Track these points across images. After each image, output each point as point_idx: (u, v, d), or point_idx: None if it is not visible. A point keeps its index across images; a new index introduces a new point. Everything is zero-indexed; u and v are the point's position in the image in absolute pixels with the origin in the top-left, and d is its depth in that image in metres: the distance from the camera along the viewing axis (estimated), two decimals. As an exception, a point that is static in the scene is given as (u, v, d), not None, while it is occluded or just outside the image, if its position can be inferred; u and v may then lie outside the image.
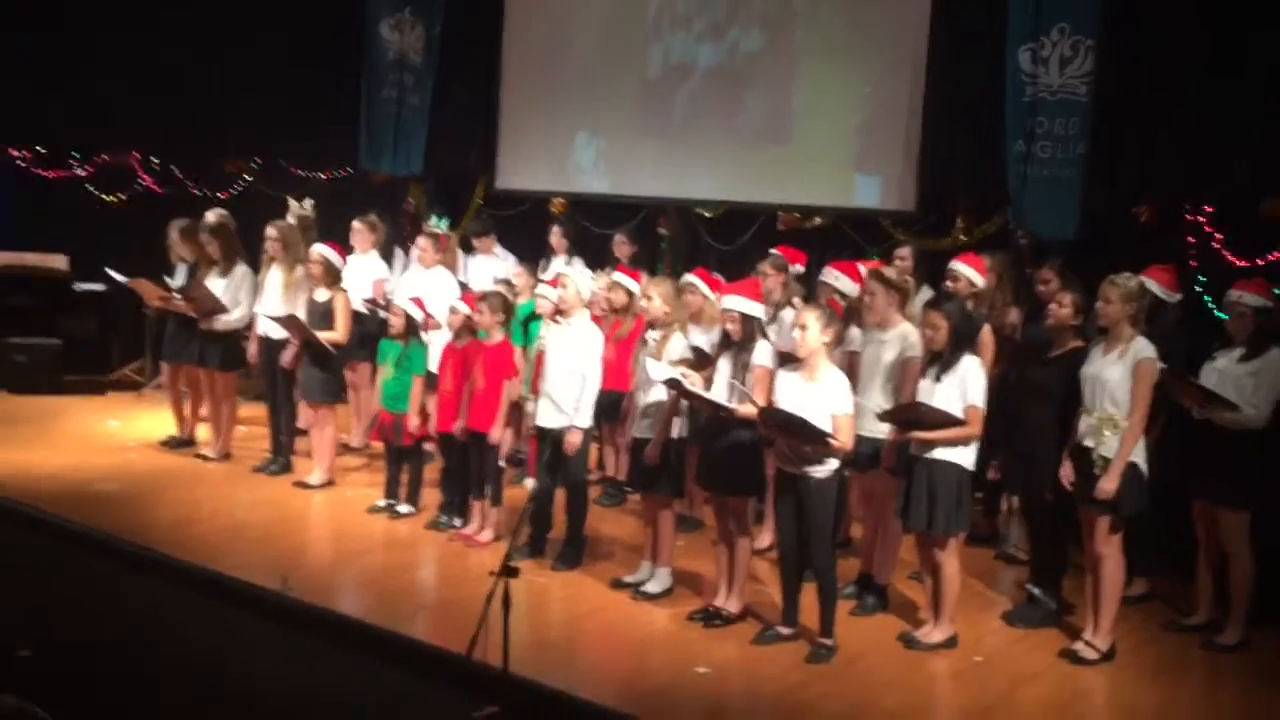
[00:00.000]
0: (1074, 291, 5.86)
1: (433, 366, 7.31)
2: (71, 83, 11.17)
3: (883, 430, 5.72)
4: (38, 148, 11.47)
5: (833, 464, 5.31)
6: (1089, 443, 5.38)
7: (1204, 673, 5.57)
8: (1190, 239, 7.07)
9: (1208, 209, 7.04)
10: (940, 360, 5.42)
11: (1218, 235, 6.96)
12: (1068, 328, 5.80)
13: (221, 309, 8.16)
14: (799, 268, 7.56)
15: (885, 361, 5.86)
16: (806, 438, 5.19)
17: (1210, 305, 6.76)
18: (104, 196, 11.64)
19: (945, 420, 5.29)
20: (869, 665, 5.37)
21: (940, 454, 5.36)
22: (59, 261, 10.94)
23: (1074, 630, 5.76)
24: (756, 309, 5.69)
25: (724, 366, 5.71)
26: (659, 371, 5.79)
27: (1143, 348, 5.31)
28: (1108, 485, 5.26)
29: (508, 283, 7.97)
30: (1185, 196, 7.11)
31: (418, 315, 7.25)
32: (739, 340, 5.64)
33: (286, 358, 7.83)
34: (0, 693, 1.61)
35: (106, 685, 4.82)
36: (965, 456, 5.39)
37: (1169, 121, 7.14)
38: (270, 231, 8.15)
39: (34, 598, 5.76)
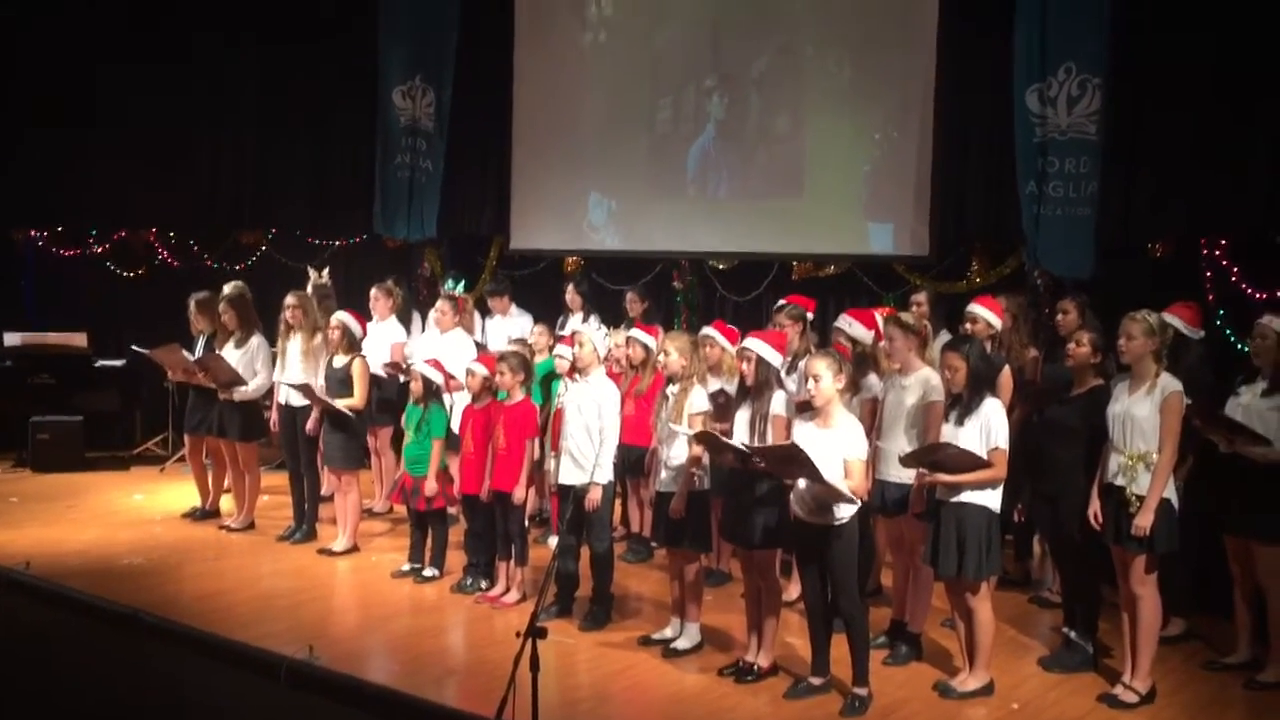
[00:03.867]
0: (1091, 330, 5.84)
1: (455, 428, 7.32)
2: (84, 163, 11.33)
3: (910, 475, 5.68)
4: (56, 228, 11.60)
5: (849, 510, 5.26)
6: (1120, 481, 5.33)
7: (1245, 712, 5.45)
8: (1207, 273, 7.04)
9: (1223, 242, 7.03)
10: (961, 403, 5.40)
11: (1234, 268, 6.94)
12: (1088, 366, 5.76)
13: (238, 380, 8.19)
14: (810, 315, 7.57)
15: (908, 406, 5.84)
16: (807, 473, 5.15)
17: (1232, 338, 6.72)
18: (122, 273, 11.75)
19: (970, 462, 5.25)
20: (905, 716, 5.28)
21: (967, 497, 5.31)
22: (79, 339, 11.02)
23: (1112, 674, 5.66)
24: (775, 357, 5.68)
25: (742, 417, 5.69)
26: (686, 429, 5.80)
27: (1170, 382, 5.28)
28: (1143, 521, 5.20)
29: (523, 342, 7.99)
30: (1200, 230, 7.09)
31: (436, 378, 7.27)
32: (753, 385, 5.62)
33: (310, 425, 7.86)
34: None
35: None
36: (992, 499, 5.35)
37: (1179, 156, 7.15)
38: (289, 300, 8.21)
39: (62, 674, 5.74)
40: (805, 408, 5.73)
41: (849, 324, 6.59)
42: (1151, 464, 5.24)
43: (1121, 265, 7.32)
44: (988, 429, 5.29)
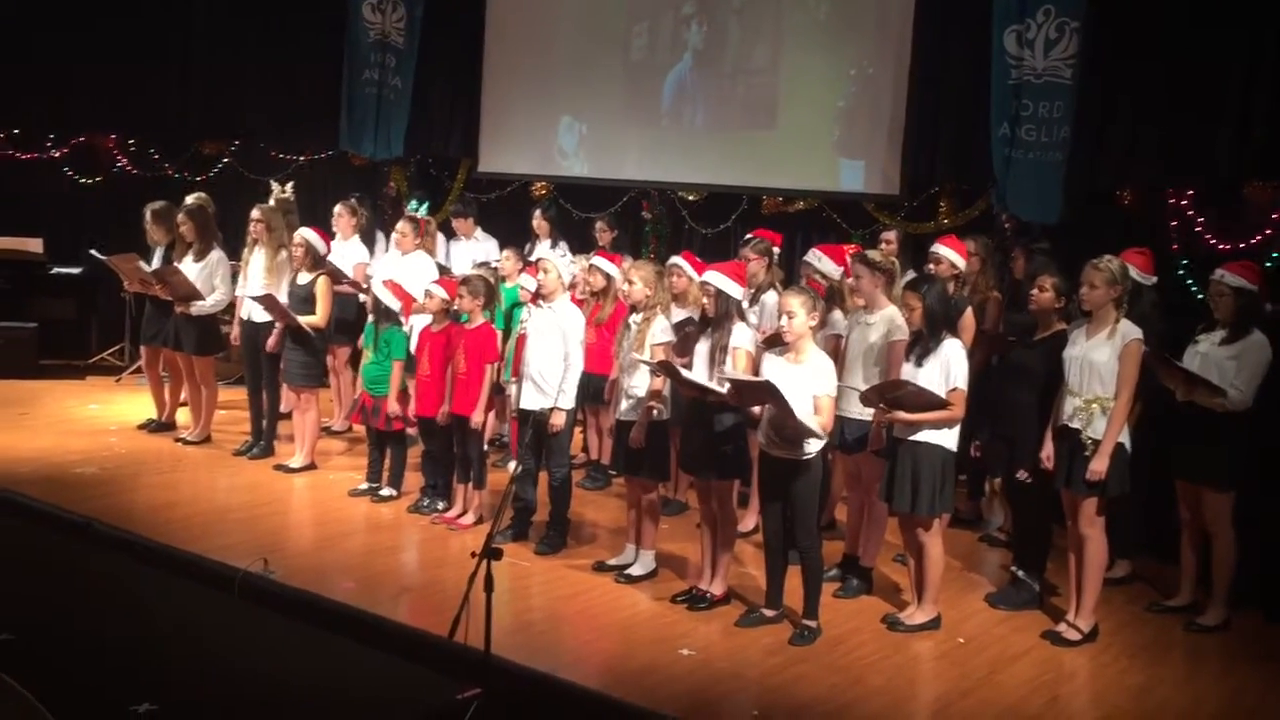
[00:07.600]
0: (1051, 274, 5.86)
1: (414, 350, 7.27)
2: (46, 64, 11.02)
3: (870, 413, 5.71)
4: (13, 130, 11.31)
5: (817, 445, 5.29)
6: (1076, 424, 5.40)
7: (1185, 654, 5.59)
8: (1173, 222, 7.08)
9: (1190, 192, 7.05)
10: (921, 343, 5.42)
11: (1200, 219, 6.97)
12: (1051, 310, 5.79)
13: (196, 294, 8.08)
14: (776, 250, 7.54)
15: (871, 343, 5.85)
16: (779, 406, 5.17)
17: (1193, 288, 6.77)
18: (80, 179, 11.50)
19: (929, 400, 5.29)
20: (852, 647, 5.38)
21: (924, 436, 5.36)
22: (34, 245, 10.81)
23: (1057, 612, 5.78)
24: (735, 289, 5.66)
25: (702, 349, 5.69)
26: (648, 359, 5.79)
27: (1130, 329, 5.33)
28: (1098, 466, 5.28)
29: (488, 265, 7.92)
30: (1168, 180, 7.11)
31: (391, 303, 7.16)
32: (714, 317, 5.61)
33: (271, 342, 7.77)
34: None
35: (85, 667, 4.77)
36: (949, 438, 5.40)
37: (1152, 105, 7.14)
38: (255, 214, 8.09)
39: (13, 582, 5.70)
40: (772, 342, 5.73)
41: (818, 259, 6.59)
42: (1107, 408, 5.30)
43: (1089, 212, 7.33)
44: (947, 369, 5.32)
